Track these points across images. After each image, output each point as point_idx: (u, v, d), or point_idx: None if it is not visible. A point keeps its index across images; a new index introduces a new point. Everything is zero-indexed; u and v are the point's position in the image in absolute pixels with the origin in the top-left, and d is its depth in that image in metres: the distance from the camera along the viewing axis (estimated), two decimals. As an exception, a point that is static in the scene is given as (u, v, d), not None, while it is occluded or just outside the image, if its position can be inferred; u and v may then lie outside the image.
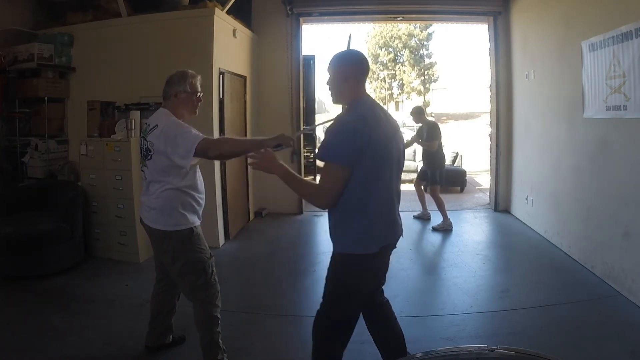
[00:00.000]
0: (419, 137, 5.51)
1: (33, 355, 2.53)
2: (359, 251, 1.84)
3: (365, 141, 1.75)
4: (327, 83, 1.97)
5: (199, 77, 2.33)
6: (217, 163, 4.62)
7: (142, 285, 3.47)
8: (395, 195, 1.96)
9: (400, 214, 2.03)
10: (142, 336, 2.57)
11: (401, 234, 2.01)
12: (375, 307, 2.19)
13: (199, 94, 2.31)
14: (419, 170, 6.00)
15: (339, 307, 1.92)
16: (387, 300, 2.26)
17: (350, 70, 1.90)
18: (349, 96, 1.91)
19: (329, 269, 1.94)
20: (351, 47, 1.97)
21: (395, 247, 2.01)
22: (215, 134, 4.56)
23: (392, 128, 1.93)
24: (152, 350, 2.54)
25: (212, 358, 2.28)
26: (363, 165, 1.77)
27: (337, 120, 1.87)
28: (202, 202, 2.33)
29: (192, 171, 2.23)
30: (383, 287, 2.22)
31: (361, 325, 2.20)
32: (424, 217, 5.73)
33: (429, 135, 5.35)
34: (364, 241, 1.84)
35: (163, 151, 2.11)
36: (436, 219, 5.46)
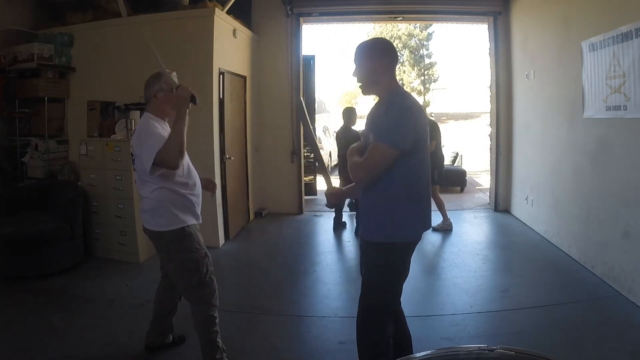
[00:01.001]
0: None
1: (33, 355, 2.53)
2: (409, 239, 1.90)
3: (417, 133, 1.80)
4: (356, 73, 1.92)
5: (174, 73, 2.34)
6: (217, 163, 4.62)
7: (142, 285, 3.47)
8: (429, 188, 2.03)
9: None
10: (142, 336, 2.57)
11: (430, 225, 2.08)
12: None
13: (175, 89, 2.26)
14: None
15: (387, 294, 1.95)
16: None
17: (388, 60, 1.88)
18: (387, 87, 1.90)
19: (368, 261, 1.97)
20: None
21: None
22: (215, 134, 4.56)
23: (425, 120, 1.95)
24: (152, 350, 2.54)
25: (211, 358, 2.28)
26: (416, 153, 1.80)
27: (391, 108, 1.81)
28: (196, 200, 2.31)
29: (181, 169, 2.21)
30: None
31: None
32: (446, 228, 5.49)
33: (431, 134, 5.30)
34: (414, 228, 1.90)
35: (139, 155, 2.16)
36: (436, 218, 5.46)
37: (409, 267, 2.03)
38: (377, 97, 1.99)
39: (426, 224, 1.99)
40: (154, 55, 2.20)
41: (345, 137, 5.00)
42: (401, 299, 2.12)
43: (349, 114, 5.31)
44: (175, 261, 2.25)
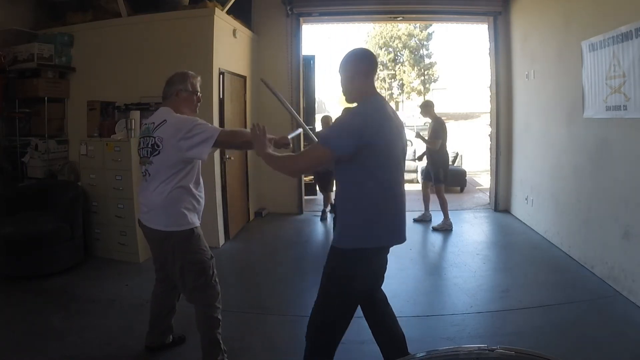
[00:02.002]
0: (419, 134, 5.47)
1: (33, 355, 2.53)
2: (357, 246, 1.85)
3: (367, 137, 1.77)
4: (340, 83, 2.00)
5: (198, 78, 2.38)
6: (217, 163, 4.62)
7: (142, 285, 3.47)
8: (402, 195, 1.98)
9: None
10: (142, 336, 2.57)
11: (404, 238, 1.98)
12: (376, 307, 2.19)
13: (198, 93, 2.35)
14: (420, 170, 5.95)
15: (334, 303, 1.91)
16: (385, 298, 2.24)
17: (357, 68, 1.93)
18: (358, 94, 1.94)
19: (325, 264, 1.94)
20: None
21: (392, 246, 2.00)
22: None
23: (398, 129, 1.95)
24: (152, 351, 2.54)
25: (213, 358, 2.28)
26: (367, 161, 1.79)
27: (344, 112, 1.91)
28: (203, 202, 2.33)
29: (196, 169, 2.24)
30: (382, 288, 2.22)
31: (360, 325, 2.21)
32: (424, 219, 5.62)
33: (434, 133, 5.30)
34: (363, 237, 1.85)
35: (175, 146, 2.12)
36: (437, 218, 5.46)
37: (379, 276, 2.00)
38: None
39: (392, 235, 1.92)
40: (272, 93, 2.36)
41: None
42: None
43: (327, 121, 5.58)
44: (182, 262, 2.22)
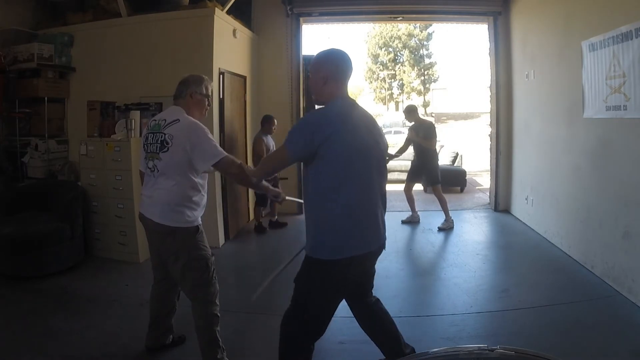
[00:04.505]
0: (417, 135, 5.47)
1: (33, 355, 2.53)
2: (325, 256, 1.78)
3: (322, 138, 1.70)
4: (309, 83, 1.98)
5: (211, 83, 2.46)
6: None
7: (142, 285, 3.46)
8: (376, 200, 1.87)
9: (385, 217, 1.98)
10: (142, 336, 2.57)
11: (383, 245, 1.92)
12: (366, 310, 2.18)
13: (210, 98, 2.42)
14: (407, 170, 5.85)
15: (306, 311, 1.87)
16: (378, 300, 2.23)
17: (330, 70, 1.86)
18: (327, 97, 1.87)
19: (299, 273, 1.90)
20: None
21: (379, 254, 1.94)
22: (215, 134, 4.56)
23: (369, 131, 1.87)
24: (152, 351, 2.54)
25: (212, 357, 2.28)
26: (327, 163, 1.73)
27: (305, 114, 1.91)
28: (205, 200, 2.35)
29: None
30: (382, 287, 2.22)
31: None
32: (413, 221, 5.56)
33: (428, 133, 5.32)
34: (330, 246, 1.76)
35: (184, 147, 2.14)
36: (437, 218, 5.46)
37: (335, 290, 1.87)
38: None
39: (368, 242, 1.83)
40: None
41: None
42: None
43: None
44: (184, 259, 2.23)
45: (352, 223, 1.78)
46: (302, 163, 1.86)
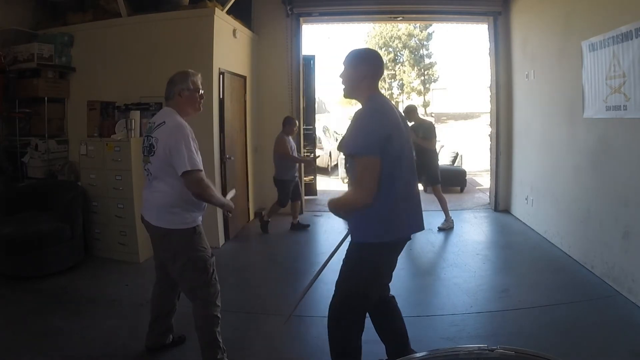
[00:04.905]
0: (416, 135, 5.46)
1: (33, 355, 2.53)
2: (378, 240, 1.91)
3: (388, 131, 1.84)
4: (341, 76, 2.05)
5: (199, 75, 2.38)
6: (217, 163, 4.63)
7: (142, 285, 3.47)
8: (416, 187, 2.06)
9: None
10: (142, 336, 2.57)
11: (423, 227, 2.07)
12: (383, 303, 2.23)
13: (201, 91, 2.36)
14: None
15: (355, 296, 1.98)
16: (393, 297, 2.29)
17: (369, 69, 1.98)
18: (364, 93, 1.99)
19: (344, 259, 2.00)
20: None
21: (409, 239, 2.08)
22: (215, 134, 4.56)
23: (405, 123, 2.04)
24: (152, 351, 2.54)
25: (212, 357, 2.28)
26: (387, 155, 1.84)
27: (359, 114, 1.93)
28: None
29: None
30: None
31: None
32: None
33: (428, 133, 5.31)
34: (383, 231, 1.90)
35: (166, 148, 2.14)
36: (437, 218, 5.45)
37: (393, 269, 2.09)
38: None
39: (415, 224, 2.02)
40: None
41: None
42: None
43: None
44: (183, 260, 2.23)
45: (400, 211, 1.92)
46: (348, 156, 1.96)
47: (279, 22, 5.97)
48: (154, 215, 2.23)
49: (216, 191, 2.25)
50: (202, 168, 2.16)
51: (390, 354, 2.25)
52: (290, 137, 5.20)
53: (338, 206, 1.98)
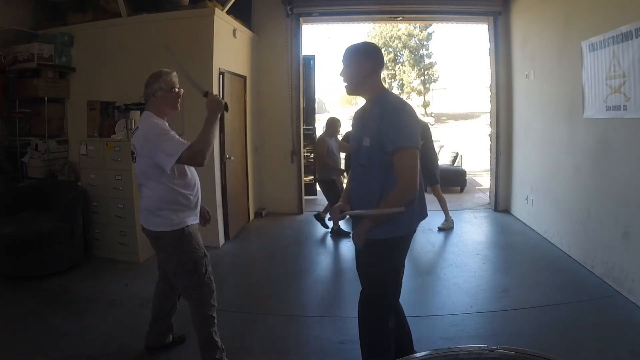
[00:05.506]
0: None
1: (33, 355, 2.53)
2: (402, 233, 1.94)
3: (418, 125, 1.92)
4: (343, 74, 2.01)
5: (174, 74, 2.35)
6: (217, 163, 4.62)
7: (142, 285, 3.47)
8: (420, 179, 2.09)
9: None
10: (142, 336, 2.57)
11: (426, 214, 2.11)
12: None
13: (176, 89, 2.33)
14: None
15: (387, 291, 2.01)
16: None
17: (374, 64, 1.97)
18: (371, 89, 1.98)
19: (364, 259, 2.03)
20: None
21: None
22: (216, 134, 4.55)
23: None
24: (152, 350, 2.54)
25: (210, 357, 2.28)
26: None
27: (386, 110, 1.89)
28: (195, 199, 2.31)
29: (181, 169, 2.22)
30: None
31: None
32: None
33: (423, 134, 5.30)
34: (407, 223, 1.95)
35: (145, 153, 2.15)
36: (437, 218, 5.45)
37: (405, 259, 2.12)
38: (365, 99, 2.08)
39: (422, 214, 2.06)
40: (174, 60, 2.33)
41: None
42: (401, 299, 2.14)
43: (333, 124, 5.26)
44: (174, 261, 2.25)
45: (418, 200, 1.96)
46: (394, 150, 1.86)
47: (279, 22, 5.97)
48: (143, 218, 2.28)
49: (206, 140, 2.14)
50: (186, 146, 2.09)
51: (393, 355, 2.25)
52: (333, 139, 5.15)
53: (384, 214, 1.84)
